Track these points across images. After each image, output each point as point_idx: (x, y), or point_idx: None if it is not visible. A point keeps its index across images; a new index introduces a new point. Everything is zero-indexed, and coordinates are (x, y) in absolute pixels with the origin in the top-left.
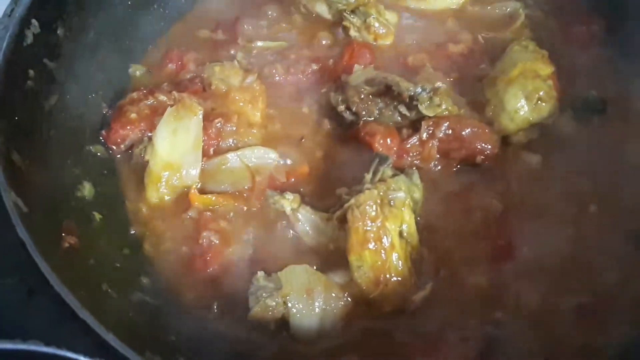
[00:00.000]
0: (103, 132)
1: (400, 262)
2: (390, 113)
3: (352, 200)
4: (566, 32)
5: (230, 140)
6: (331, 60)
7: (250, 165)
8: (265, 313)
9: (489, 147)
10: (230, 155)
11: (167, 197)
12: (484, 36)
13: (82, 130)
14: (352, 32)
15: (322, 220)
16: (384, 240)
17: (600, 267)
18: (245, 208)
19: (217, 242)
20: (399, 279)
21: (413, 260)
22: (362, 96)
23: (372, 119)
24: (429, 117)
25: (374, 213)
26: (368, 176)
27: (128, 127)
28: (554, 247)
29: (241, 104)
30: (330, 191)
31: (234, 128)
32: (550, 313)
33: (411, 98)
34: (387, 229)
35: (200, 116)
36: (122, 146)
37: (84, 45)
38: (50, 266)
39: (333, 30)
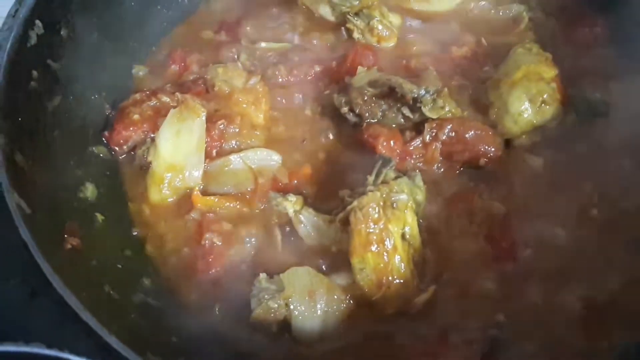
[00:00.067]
0: (106, 133)
1: (402, 264)
2: (393, 115)
3: (355, 203)
4: (570, 35)
5: (233, 142)
6: (334, 62)
7: (253, 167)
8: (267, 315)
9: (492, 149)
10: (233, 157)
11: (169, 199)
12: (487, 39)
13: (85, 131)
14: (356, 34)
15: (325, 222)
16: (387, 242)
17: (601, 270)
18: (247, 210)
19: (220, 243)
20: (402, 281)
21: (415, 263)
22: (366, 98)
23: (375, 120)
24: (432, 119)
25: (376, 215)
26: (371, 178)
27: (131, 129)
28: (556, 250)
29: (244, 105)
30: (333, 193)
31: (237, 130)
32: (553, 315)
33: (414, 100)
34: (389, 231)
35: (204, 118)
36: (124, 147)
37: (88, 46)
38: (53, 268)
39: (336, 32)
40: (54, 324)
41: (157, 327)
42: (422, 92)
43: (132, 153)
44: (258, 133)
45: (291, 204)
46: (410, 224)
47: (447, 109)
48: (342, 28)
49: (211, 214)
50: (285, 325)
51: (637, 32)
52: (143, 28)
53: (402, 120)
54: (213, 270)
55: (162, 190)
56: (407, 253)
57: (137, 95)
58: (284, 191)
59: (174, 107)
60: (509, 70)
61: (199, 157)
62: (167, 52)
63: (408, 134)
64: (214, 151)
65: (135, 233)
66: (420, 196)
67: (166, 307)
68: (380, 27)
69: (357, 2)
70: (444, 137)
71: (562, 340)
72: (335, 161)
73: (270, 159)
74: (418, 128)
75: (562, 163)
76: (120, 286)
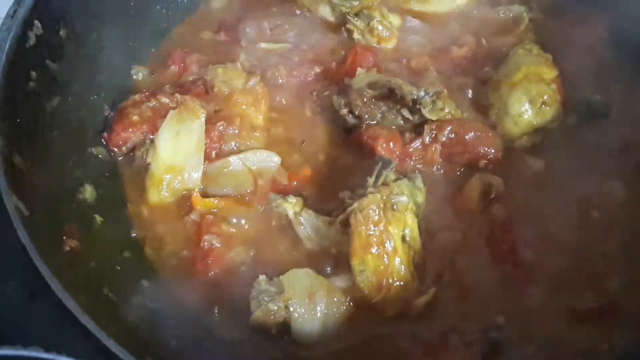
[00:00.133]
0: (105, 134)
1: (402, 266)
2: (393, 116)
3: (355, 204)
4: (570, 36)
5: (233, 143)
6: (334, 63)
7: (252, 168)
8: (267, 317)
9: (492, 151)
10: (232, 159)
11: (168, 200)
12: (487, 39)
13: (84, 132)
14: (356, 35)
15: (325, 224)
16: (387, 244)
17: (602, 272)
18: (247, 211)
19: (219, 245)
20: (402, 283)
21: (416, 265)
22: (365, 99)
23: (375, 122)
24: (432, 121)
25: (377, 217)
26: (371, 180)
27: (130, 130)
28: (557, 252)
29: (244, 106)
30: (333, 195)
31: (237, 131)
32: (553, 317)
33: (414, 101)
34: (389, 233)
35: (203, 119)
36: (123, 148)
37: (87, 47)
38: (51, 270)
39: (336, 33)
40: (52, 327)
41: (156, 330)
42: (422, 93)
43: (131, 154)
44: (257, 134)
45: (291, 206)
46: (411, 226)
47: (446, 110)
48: (342, 29)
49: (210, 216)
50: (284, 327)
51: (637, 33)
52: (142, 28)
53: (402, 121)
54: (212, 272)
55: (161, 191)
56: (407, 255)
57: (137, 96)
58: (284, 193)
59: (174, 108)
60: (509, 71)
61: (199, 159)
62: (167, 53)
63: (407, 135)
64: (214, 152)
65: (134, 235)
66: (421, 198)
67: (165, 309)
68: (380, 27)
69: (357, 2)
70: (443, 139)
71: (562, 343)
72: (335, 163)
73: (269, 160)
74: (418, 130)
75: (563, 164)
76: (118, 288)
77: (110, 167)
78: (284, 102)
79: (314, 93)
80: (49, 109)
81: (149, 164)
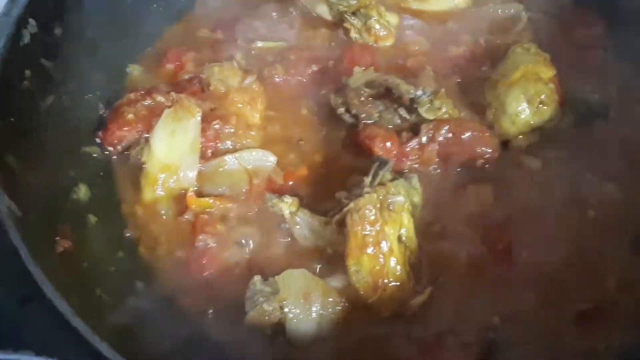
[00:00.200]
0: (99, 133)
1: (398, 266)
2: (390, 116)
3: (352, 204)
4: (568, 35)
5: (229, 142)
6: (331, 62)
7: (248, 167)
8: (262, 318)
9: (489, 151)
10: (228, 158)
11: (163, 200)
12: (485, 38)
13: (79, 131)
14: (353, 34)
15: (321, 224)
16: (383, 244)
17: (599, 272)
18: (242, 211)
19: (214, 245)
20: (398, 283)
21: (412, 265)
22: (362, 98)
23: (372, 121)
24: (429, 121)
25: (373, 217)
26: (367, 180)
27: (125, 128)
28: (554, 252)
29: (240, 105)
30: (329, 194)
31: (232, 130)
32: (550, 317)
33: (411, 101)
34: (386, 234)
35: (199, 118)
36: (118, 147)
37: (82, 45)
38: (44, 273)
39: (333, 31)
40: (45, 330)
41: (150, 331)
42: (419, 93)
43: (126, 153)
44: (253, 133)
45: (287, 205)
46: (407, 226)
47: (444, 110)
48: (340, 27)
49: (205, 215)
50: (279, 328)
51: (636, 32)
52: (138, 26)
53: (399, 121)
54: (207, 273)
55: (156, 191)
56: (403, 255)
57: (132, 95)
58: (280, 192)
59: (169, 107)
60: (507, 70)
61: (194, 158)
62: (163, 51)
63: (405, 135)
64: (209, 151)
65: (128, 234)
66: (417, 198)
67: (159, 311)
68: (377, 26)
69: (355, 1)
70: (440, 139)
71: (560, 344)
72: (332, 162)
73: (265, 159)
74: (415, 129)
75: (560, 164)
76: (112, 289)
77: (104, 166)
78: (281, 101)
79: (311, 92)
80: (43, 107)
81: (144, 163)
